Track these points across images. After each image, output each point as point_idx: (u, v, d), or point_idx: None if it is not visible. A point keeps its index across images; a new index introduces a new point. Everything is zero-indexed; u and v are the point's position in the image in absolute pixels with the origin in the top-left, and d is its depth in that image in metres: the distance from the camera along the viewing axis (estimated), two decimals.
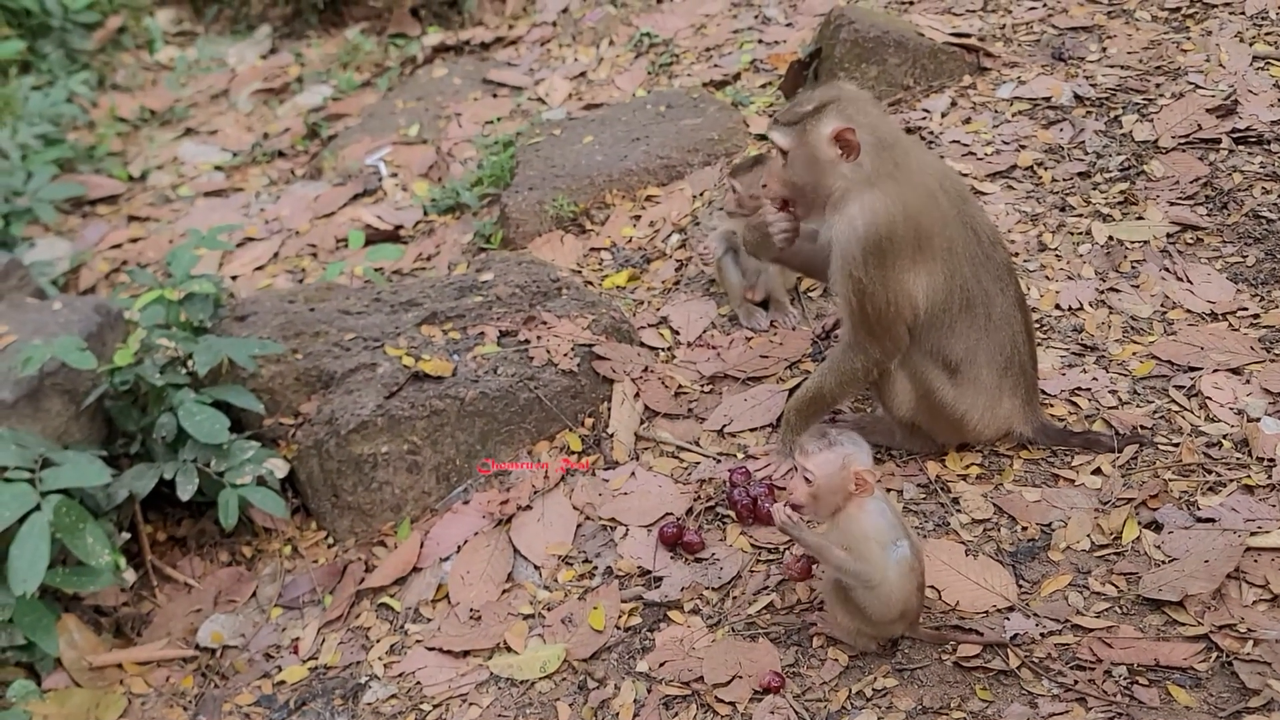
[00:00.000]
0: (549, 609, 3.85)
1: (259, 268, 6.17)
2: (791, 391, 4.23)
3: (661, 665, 3.54)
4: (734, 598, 3.71)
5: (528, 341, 4.52)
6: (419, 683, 3.75)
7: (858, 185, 3.59)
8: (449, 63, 7.81)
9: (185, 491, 4.08)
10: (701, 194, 5.49)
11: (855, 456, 3.23)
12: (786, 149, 3.66)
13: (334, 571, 4.22)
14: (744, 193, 4.54)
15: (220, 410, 4.16)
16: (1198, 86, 5.42)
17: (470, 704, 3.64)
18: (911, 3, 6.66)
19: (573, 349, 4.48)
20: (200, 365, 4.13)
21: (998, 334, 3.75)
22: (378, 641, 3.94)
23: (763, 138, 5.76)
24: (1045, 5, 6.29)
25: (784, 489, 3.93)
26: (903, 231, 3.57)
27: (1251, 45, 5.62)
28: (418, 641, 3.88)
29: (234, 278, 6.07)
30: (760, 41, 6.82)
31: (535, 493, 4.21)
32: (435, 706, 3.67)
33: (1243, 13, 5.86)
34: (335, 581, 4.20)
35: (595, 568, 3.96)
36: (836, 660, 3.41)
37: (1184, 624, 3.32)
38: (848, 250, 3.61)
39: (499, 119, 6.85)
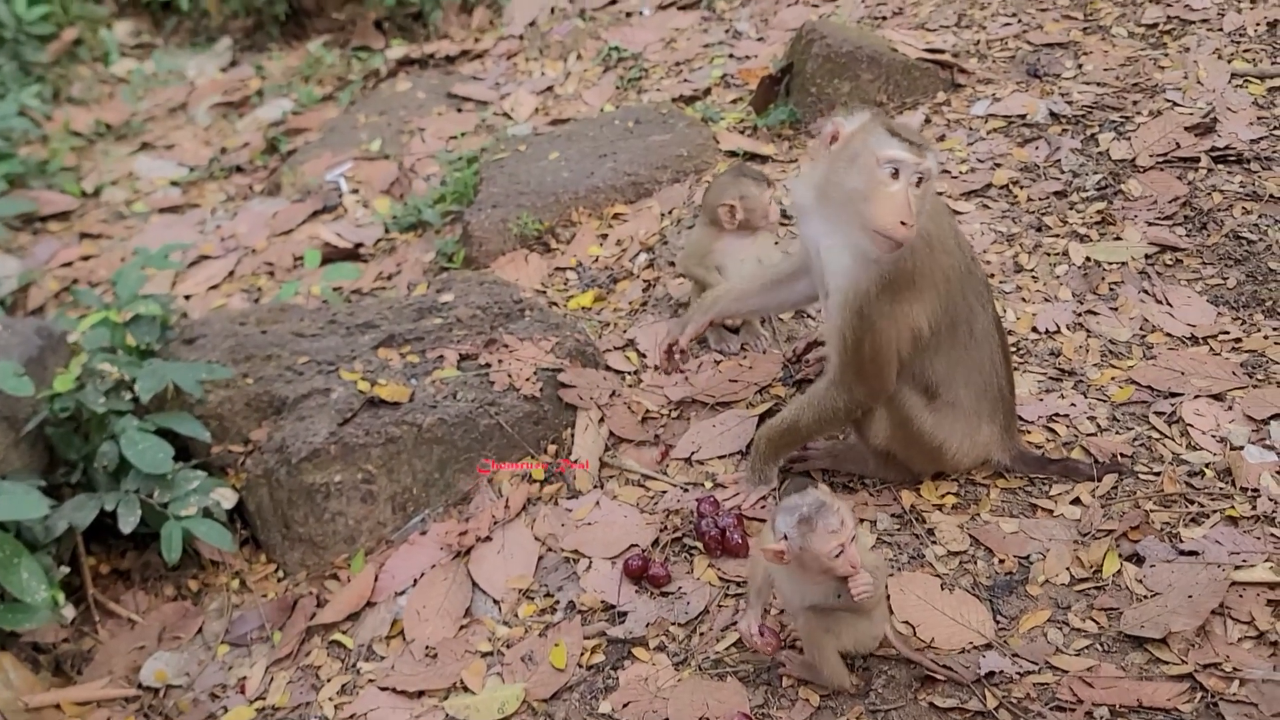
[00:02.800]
0: (508, 646, 3.69)
1: (213, 287, 5.99)
2: (763, 418, 4.09)
3: (625, 706, 3.38)
4: (701, 634, 3.56)
5: (489, 365, 4.36)
6: None
7: None
8: (413, 76, 7.65)
9: (127, 524, 3.90)
10: (670, 212, 5.36)
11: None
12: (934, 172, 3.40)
13: (284, 606, 4.05)
14: (742, 208, 4.43)
15: (165, 438, 3.99)
16: (1176, 104, 5.32)
17: None
18: (885, 18, 6.56)
19: (535, 373, 4.33)
20: (144, 391, 3.96)
21: (978, 352, 3.63)
22: (328, 681, 3.77)
23: (734, 154, 5.65)
24: (1020, 21, 6.20)
25: (754, 519, 3.80)
26: (920, 261, 3.44)
27: (1230, 62, 5.53)
28: (370, 681, 3.71)
29: (187, 297, 5.89)
30: (731, 56, 6.70)
31: (495, 523, 4.05)
32: None
33: (1221, 29, 5.78)
34: (285, 617, 4.02)
35: (557, 602, 3.80)
36: (808, 700, 3.26)
37: (1167, 663, 3.19)
38: (859, 284, 3.44)
39: (463, 134, 6.69)
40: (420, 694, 3.62)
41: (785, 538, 3.04)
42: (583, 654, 3.58)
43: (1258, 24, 5.74)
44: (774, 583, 3.26)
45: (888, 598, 3.38)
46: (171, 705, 3.87)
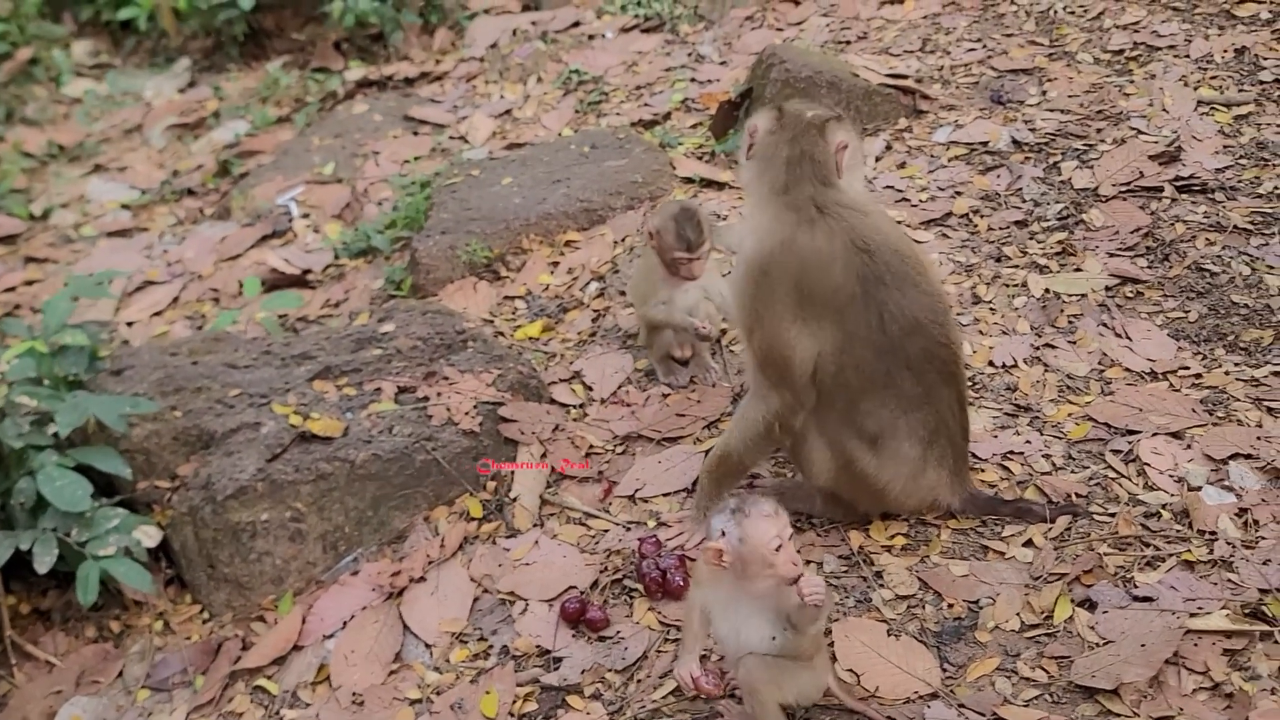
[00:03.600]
0: (438, 693, 3.54)
1: (157, 313, 5.84)
2: (708, 454, 3.96)
3: None
4: (639, 681, 3.41)
5: (427, 399, 4.22)
6: None
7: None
8: (370, 99, 7.52)
9: (43, 564, 3.74)
10: (624, 240, 5.23)
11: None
12: (846, 143, 3.51)
13: (208, 650, 3.89)
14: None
15: (87, 474, 3.83)
16: (1140, 132, 5.23)
17: None
18: (849, 43, 6.47)
19: (475, 407, 4.18)
20: (62, 426, 3.80)
21: (916, 412, 3.49)
22: None
23: (690, 180, 5.53)
24: (985, 47, 6.11)
25: (694, 560, 3.65)
26: (778, 274, 3.37)
27: (1196, 90, 5.43)
28: None
29: (130, 324, 5.74)
30: (693, 80, 6.60)
31: (430, 563, 3.90)
32: None
33: (1187, 56, 5.69)
34: (209, 661, 3.86)
35: (491, 646, 3.66)
36: None
37: (1118, 714, 3.05)
38: (736, 280, 3.51)
39: (418, 158, 6.56)
40: None
41: (723, 534, 2.94)
42: (515, 702, 3.44)
43: (1225, 51, 5.65)
44: (711, 624, 3.12)
45: (831, 645, 3.25)
46: None
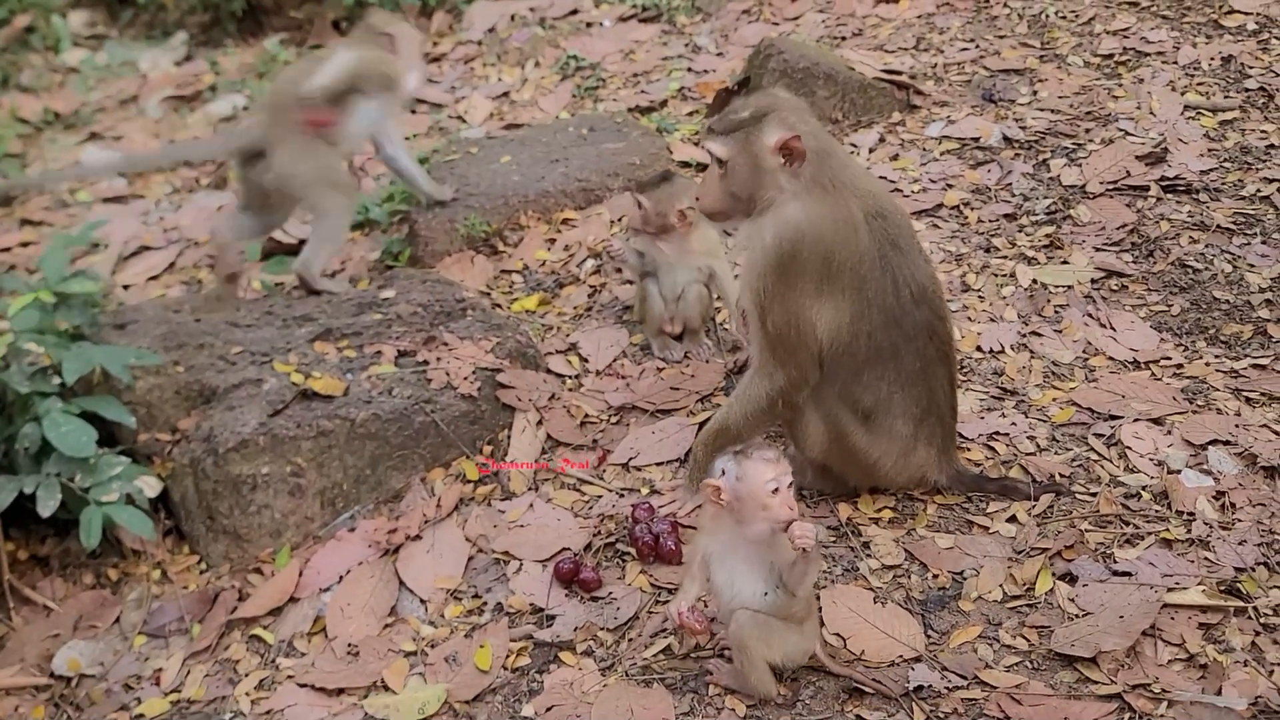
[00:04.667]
0: (433, 646, 3.62)
1: (153, 278, 5.87)
2: (702, 426, 4.04)
3: (549, 710, 3.31)
4: (630, 640, 3.50)
5: (426, 363, 4.29)
6: None
7: (788, 195, 3.43)
8: None
9: (46, 507, 3.78)
10: (620, 219, 5.30)
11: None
12: (726, 158, 3.48)
13: (204, 599, 3.95)
14: (651, 209, 4.38)
15: (90, 422, 3.88)
16: (1128, 134, 5.35)
17: None
18: (845, 38, 6.56)
19: (474, 372, 4.26)
20: (69, 373, 3.85)
21: (912, 388, 3.58)
22: (246, 675, 3.68)
23: (687, 164, 5.60)
24: (978, 47, 6.21)
25: (689, 527, 3.73)
26: (808, 254, 3.41)
27: (1183, 95, 5.56)
28: (289, 677, 3.62)
29: (126, 287, 5.77)
30: (690, 70, 6.68)
31: (426, 522, 3.98)
32: None
33: (1175, 62, 5.81)
34: (205, 610, 3.92)
35: (485, 604, 3.73)
36: (734, 710, 3.20)
37: (1096, 682, 3.15)
38: (755, 258, 3.47)
39: (416, 135, 6.61)
40: (339, 692, 3.54)
41: (723, 472, 3.05)
42: (508, 656, 3.52)
43: (1212, 58, 5.77)
44: (710, 571, 3.20)
45: (820, 611, 3.33)
46: (84, 695, 3.76)
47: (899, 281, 3.50)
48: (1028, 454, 3.89)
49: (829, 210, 3.43)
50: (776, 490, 3.00)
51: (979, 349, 4.33)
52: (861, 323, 3.48)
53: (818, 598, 3.35)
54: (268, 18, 8.65)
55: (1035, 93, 5.75)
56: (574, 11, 7.63)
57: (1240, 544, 3.48)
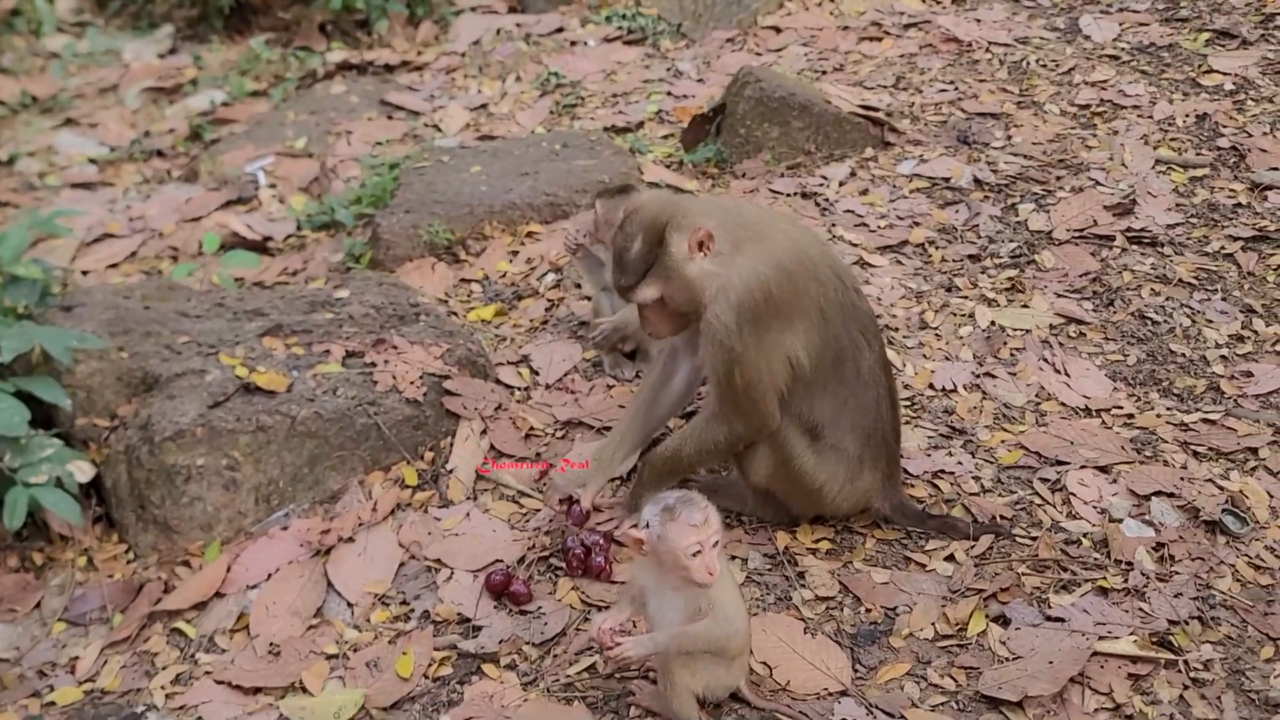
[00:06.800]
0: (355, 650, 3.56)
1: (113, 265, 5.82)
2: (649, 446, 4.00)
3: None
4: (555, 656, 3.44)
5: (374, 365, 4.24)
6: (200, 717, 3.42)
7: (725, 269, 3.40)
8: (349, 81, 7.56)
9: None
10: (578, 231, 5.26)
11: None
12: (661, 293, 3.46)
13: (129, 589, 3.87)
14: (602, 216, 4.32)
15: (26, 403, 3.81)
16: (1098, 183, 5.35)
17: None
18: (825, 72, 6.57)
19: (421, 377, 4.21)
20: (6, 351, 3.79)
21: (865, 393, 3.57)
22: (163, 669, 3.61)
23: (656, 185, 5.58)
24: (957, 89, 6.22)
25: (623, 545, 3.68)
26: (775, 288, 3.39)
27: (1156, 149, 5.56)
28: (207, 673, 3.55)
29: (85, 273, 5.72)
30: (669, 94, 6.67)
31: (360, 525, 3.91)
32: None
33: (1151, 117, 5.82)
34: (129, 600, 3.85)
35: (412, 610, 3.68)
36: None
37: None
38: (721, 327, 3.40)
39: (390, 141, 6.60)
40: (257, 691, 3.48)
41: (647, 525, 2.99)
42: (430, 665, 3.46)
43: (1188, 115, 5.78)
44: (644, 601, 3.15)
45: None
46: None
47: (840, 275, 3.56)
48: (971, 494, 3.86)
49: (767, 248, 3.44)
50: (698, 553, 2.96)
51: (931, 386, 4.31)
52: (830, 327, 3.49)
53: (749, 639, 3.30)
54: (255, 17, 8.66)
55: (1010, 137, 5.75)
56: (560, 30, 7.65)
57: (1176, 596, 3.45)
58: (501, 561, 3.74)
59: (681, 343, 3.76)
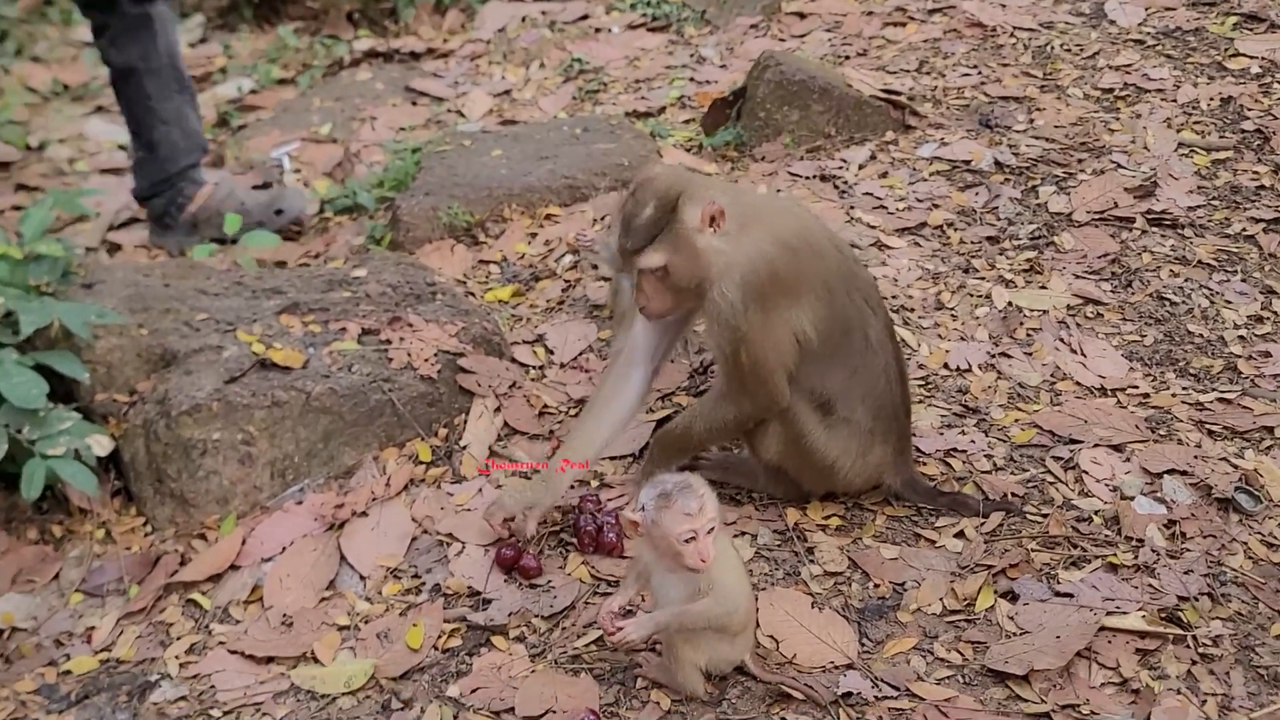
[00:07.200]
0: (366, 622, 3.59)
1: (141, 245, 5.89)
2: (660, 423, 4.02)
3: (474, 691, 3.29)
4: (563, 629, 3.47)
5: (389, 342, 4.27)
6: (213, 686, 3.46)
7: (732, 247, 3.40)
8: (375, 68, 7.60)
9: None
10: (603, 218, 5.29)
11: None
12: (665, 262, 3.41)
13: (145, 561, 3.92)
14: None
15: (46, 377, 3.86)
16: (1120, 166, 5.31)
17: (264, 714, 3.36)
18: (848, 57, 6.55)
19: (435, 355, 4.24)
20: (26, 325, 3.84)
21: (874, 360, 3.57)
22: (178, 639, 3.65)
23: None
24: (980, 73, 6.19)
25: (635, 522, 3.70)
26: (782, 266, 3.40)
27: (1179, 132, 5.52)
28: (220, 643, 3.60)
29: (111, 253, 5.79)
30: (692, 79, 6.67)
31: (374, 500, 3.95)
32: (226, 713, 3.39)
33: (1175, 100, 5.78)
34: (145, 572, 3.89)
35: (423, 583, 3.71)
36: (658, 704, 3.17)
37: (1026, 700, 3.12)
38: (726, 302, 3.40)
39: (413, 126, 6.64)
40: (269, 660, 3.52)
41: (643, 509, 3.01)
42: (440, 637, 3.49)
43: (1212, 99, 5.74)
44: (650, 575, 3.18)
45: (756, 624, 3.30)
46: (14, 648, 3.74)
47: (840, 247, 3.59)
48: (983, 472, 3.85)
49: (771, 227, 3.45)
50: (691, 540, 2.97)
51: (946, 366, 4.30)
52: (837, 299, 3.49)
53: (757, 610, 3.31)
54: (284, 6, 8.70)
55: (1032, 121, 5.72)
56: (584, 17, 7.66)
57: (1186, 573, 3.44)
58: (512, 536, 3.76)
59: (641, 340, 3.74)
